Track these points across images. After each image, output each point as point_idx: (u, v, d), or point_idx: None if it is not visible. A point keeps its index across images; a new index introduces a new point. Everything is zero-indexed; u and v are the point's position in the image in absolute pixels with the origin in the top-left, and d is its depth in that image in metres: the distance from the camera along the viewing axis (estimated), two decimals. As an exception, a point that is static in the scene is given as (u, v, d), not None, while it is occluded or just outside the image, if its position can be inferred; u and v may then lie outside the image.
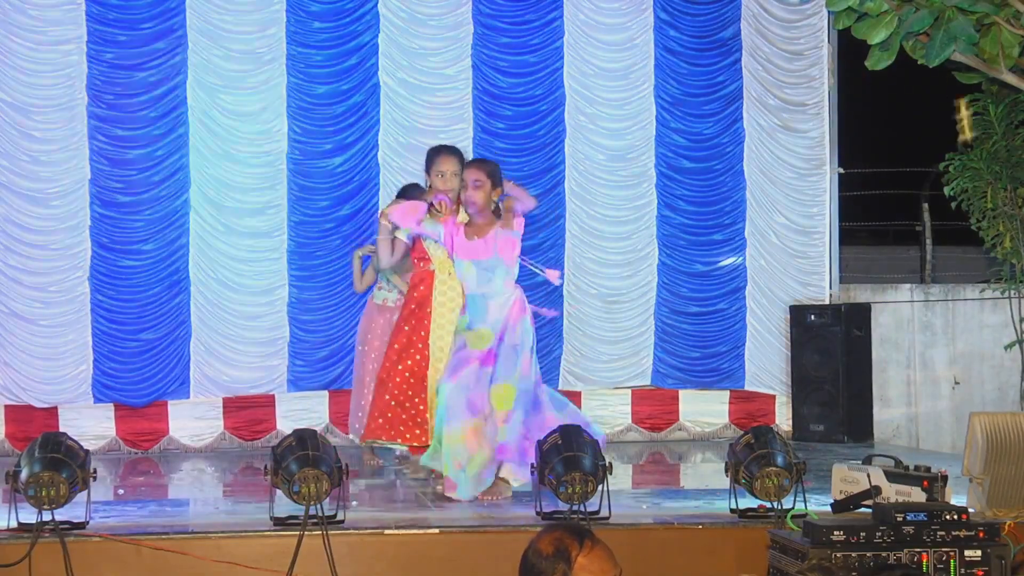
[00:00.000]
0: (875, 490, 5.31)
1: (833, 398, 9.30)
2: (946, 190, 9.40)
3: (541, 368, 9.32)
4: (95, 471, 5.31)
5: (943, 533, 4.37)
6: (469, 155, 9.24)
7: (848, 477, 5.54)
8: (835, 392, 9.30)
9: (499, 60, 9.39)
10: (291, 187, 9.10)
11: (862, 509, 5.31)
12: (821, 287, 9.80)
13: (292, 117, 9.09)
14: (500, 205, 6.30)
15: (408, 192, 7.35)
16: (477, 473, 6.12)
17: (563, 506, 5.45)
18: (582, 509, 5.37)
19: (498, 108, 9.39)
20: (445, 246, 6.39)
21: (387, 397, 6.78)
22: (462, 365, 6.21)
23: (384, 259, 6.88)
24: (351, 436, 8.09)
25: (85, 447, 5.40)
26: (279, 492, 5.29)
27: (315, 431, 5.52)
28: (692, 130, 9.65)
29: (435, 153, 6.69)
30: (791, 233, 9.77)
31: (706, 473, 8.30)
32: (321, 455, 5.25)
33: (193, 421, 9.06)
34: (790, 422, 9.59)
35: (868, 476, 5.39)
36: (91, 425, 8.84)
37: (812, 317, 9.48)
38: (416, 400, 6.73)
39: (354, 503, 5.96)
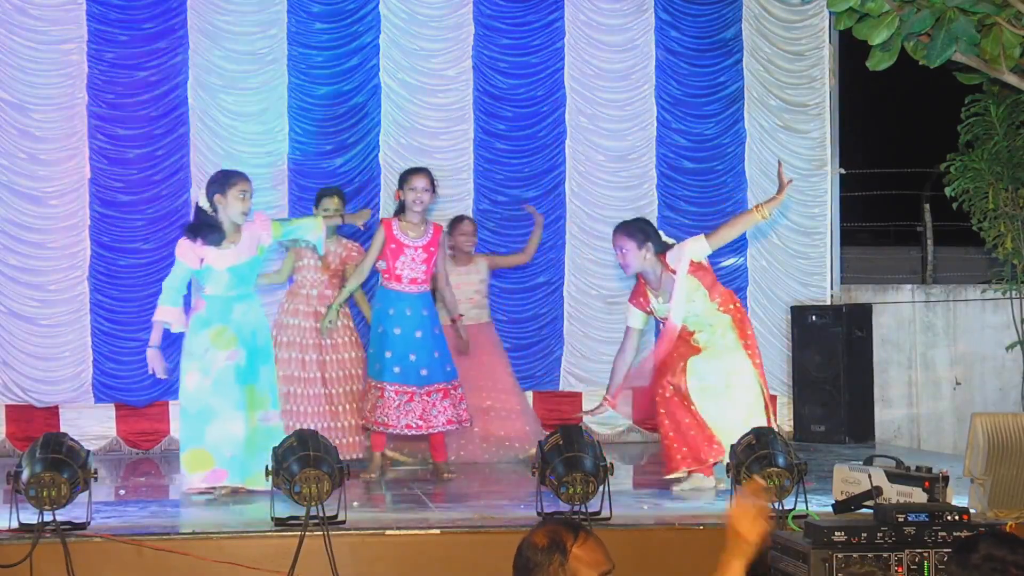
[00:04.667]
0: (876, 491, 5.30)
1: (834, 399, 9.29)
2: (947, 191, 9.41)
3: (541, 369, 9.40)
4: (96, 471, 5.31)
5: (944, 534, 4.37)
6: (470, 156, 9.28)
7: (849, 478, 5.53)
8: (836, 393, 9.29)
9: (500, 61, 9.38)
10: (292, 188, 9.09)
11: (863, 510, 5.31)
12: (822, 288, 9.78)
13: (293, 118, 9.09)
14: None
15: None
16: None
17: (564, 506, 5.45)
18: (583, 510, 5.37)
19: (499, 109, 9.38)
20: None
21: None
22: None
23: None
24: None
25: (86, 447, 5.40)
26: (280, 492, 5.29)
27: (316, 432, 5.52)
28: (693, 131, 9.64)
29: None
30: (792, 234, 9.76)
31: (707, 474, 8.27)
32: (322, 456, 5.25)
33: (194, 422, 9.04)
34: (791, 423, 9.57)
35: (869, 477, 5.38)
36: (92, 425, 8.84)
37: (813, 318, 9.47)
38: None
39: (355, 503, 5.96)
